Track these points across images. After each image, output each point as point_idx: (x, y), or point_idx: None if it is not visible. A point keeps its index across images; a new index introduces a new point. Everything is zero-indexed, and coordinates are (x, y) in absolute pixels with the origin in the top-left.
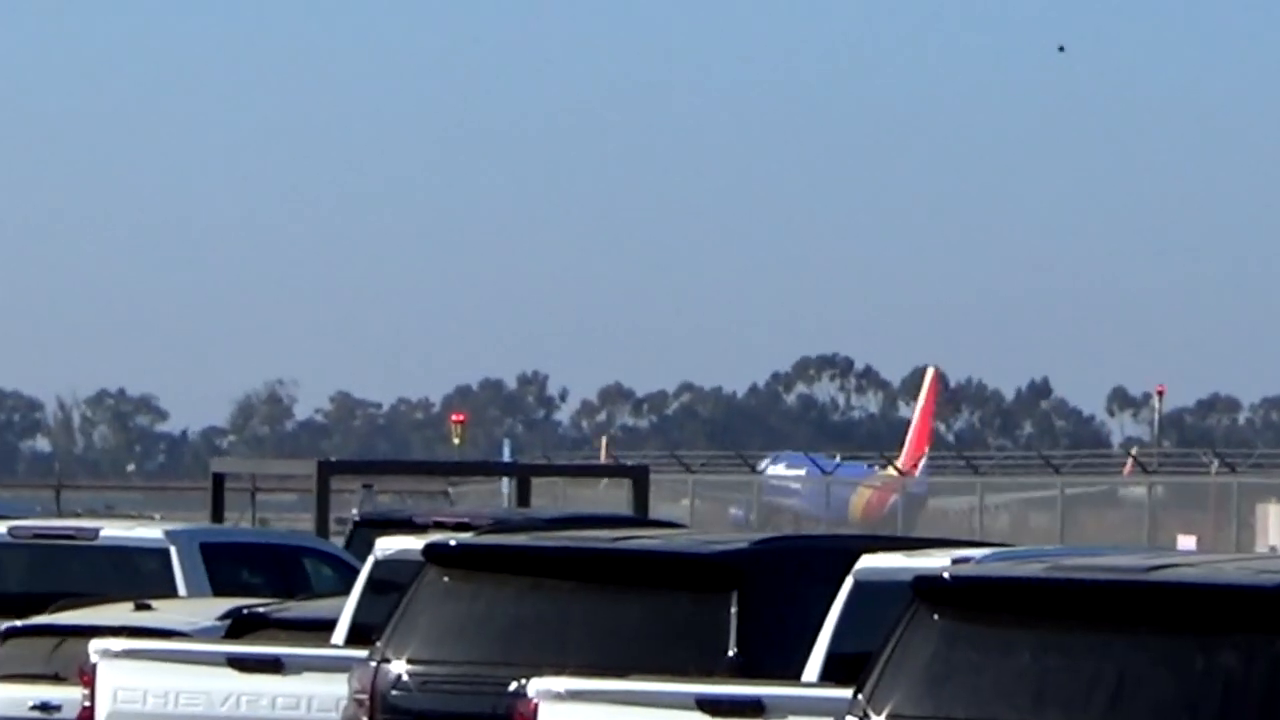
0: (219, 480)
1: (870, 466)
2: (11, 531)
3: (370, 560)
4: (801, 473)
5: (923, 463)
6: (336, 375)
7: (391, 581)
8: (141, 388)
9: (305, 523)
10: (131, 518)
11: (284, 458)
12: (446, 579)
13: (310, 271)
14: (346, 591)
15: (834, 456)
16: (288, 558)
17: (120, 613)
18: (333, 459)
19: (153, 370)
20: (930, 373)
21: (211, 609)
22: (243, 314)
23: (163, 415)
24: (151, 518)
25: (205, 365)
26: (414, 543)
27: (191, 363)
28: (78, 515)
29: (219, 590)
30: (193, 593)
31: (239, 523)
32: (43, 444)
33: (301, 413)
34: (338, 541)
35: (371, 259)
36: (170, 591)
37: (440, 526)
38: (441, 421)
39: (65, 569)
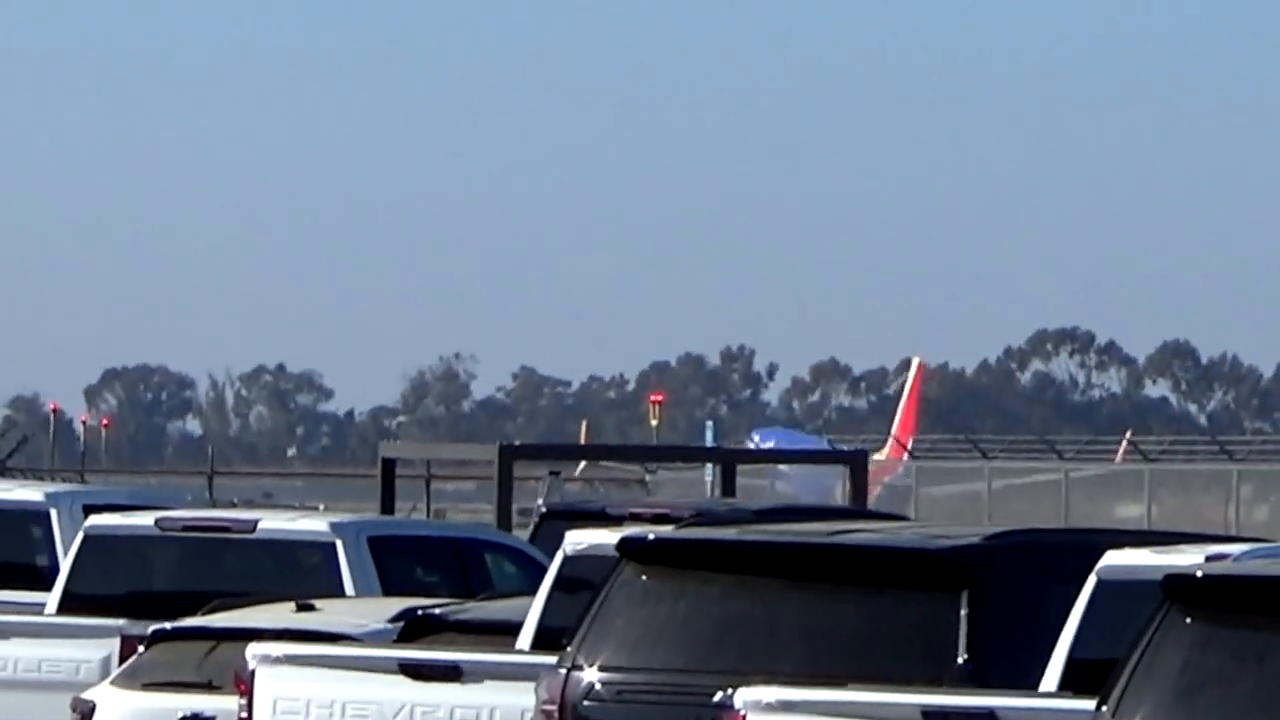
0: (389, 466)
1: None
2: (159, 523)
3: (559, 556)
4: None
5: (905, 454)
6: (520, 349)
7: (582, 579)
8: (303, 363)
9: (485, 513)
10: (292, 508)
11: (461, 441)
12: (644, 577)
13: (490, 236)
14: (532, 590)
15: (821, 437)
16: (466, 552)
17: (280, 614)
18: (516, 443)
19: (315, 344)
20: (915, 362)
21: (382, 610)
22: (416, 282)
23: (326, 394)
24: (315, 508)
25: (374, 338)
26: (607, 536)
27: (359, 335)
28: (233, 505)
29: (390, 589)
30: (361, 592)
31: (412, 513)
32: (193, 425)
33: (481, 391)
34: (522, 535)
35: (560, 221)
36: (336, 590)
37: (636, 519)
38: (637, 401)
39: (219, 565)
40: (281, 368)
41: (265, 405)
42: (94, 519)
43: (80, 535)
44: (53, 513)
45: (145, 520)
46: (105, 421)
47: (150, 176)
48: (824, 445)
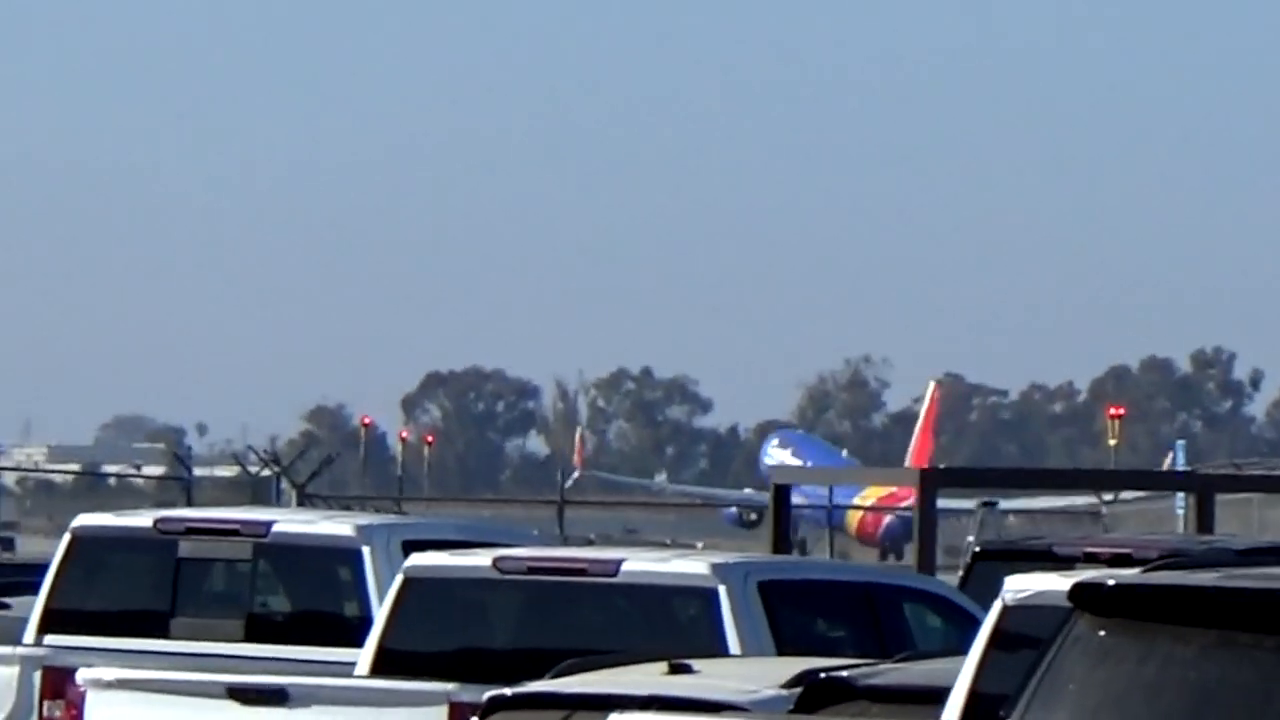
0: (783, 494)
1: None
2: (498, 564)
3: (996, 606)
4: (807, 465)
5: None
6: (943, 351)
7: (1025, 635)
8: (674, 367)
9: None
10: (663, 545)
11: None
12: (1102, 633)
13: (905, 215)
14: (962, 648)
15: (841, 449)
16: (880, 601)
17: (649, 676)
18: (940, 466)
19: (689, 343)
20: (931, 386)
21: (775, 672)
22: (815, 270)
23: (704, 405)
24: (691, 546)
25: (763, 337)
26: (1056, 582)
27: (744, 334)
28: (589, 542)
29: (784, 646)
30: (748, 649)
31: (812, 552)
32: (538, 444)
33: (895, 402)
34: (949, 579)
35: (993, 196)
36: (718, 647)
37: (1092, 560)
38: (1090, 415)
39: (572, 616)
40: (648, 373)
41: (627, 419)
42: (415, 558)
43: (399, 579)
44: (365, 551)
45: (480, 560)
46: (428, 438)
47: (489, 152)
48: (842, 456)
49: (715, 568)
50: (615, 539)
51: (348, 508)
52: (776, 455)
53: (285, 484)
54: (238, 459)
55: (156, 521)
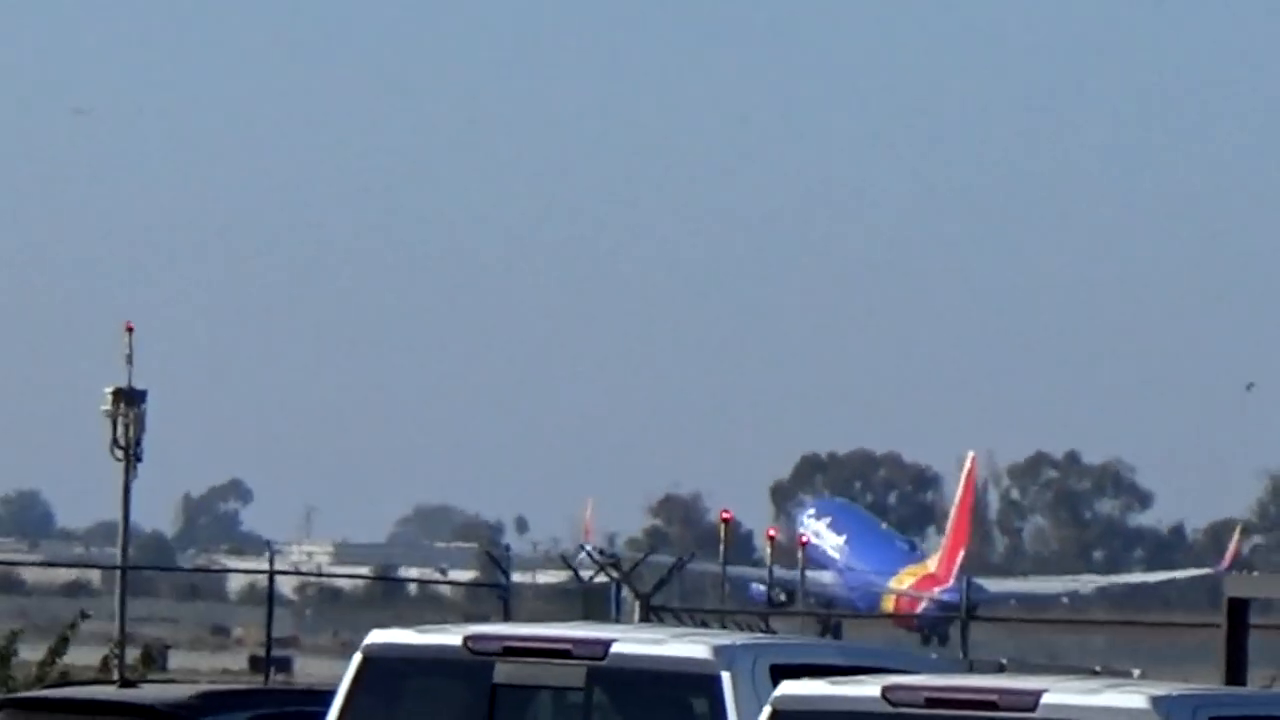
0: (1239, 611)
1: (913, 549)
2: (888, 694)
3: None
4: (841, 541)
5: (957, 567)
6: None
7: None
8: (1106, 451)
9: None
10: (1092, 673)
11: None
12: None
13: None
14: None
15: (883, 522)
16: None
17: None
18: None
19: (1125, 423)
20: (969, 457)
21: None
22: (1273, 329)
23: (1142, 498)
24: (1125, 673)
25: (1212, 415)
26: None
27: (1190, 411)
28: (1000, 668)
29: None
30: None
31: (1275, 684)
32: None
33: None
34: None
35: None
36: None
37: None
38: None
39: None
40: (1074, 458)
41: (1046, 514)
42: (786, 687)
43: (766, 711)
44: (724, 677)
45: (866, 690)
46: (802, 538)
47: (870, 211)
48: (881, 527)
49: (1157, 701)
50: (1029, 666)
51: (704, 624)
52: (813, 526)
53: (626, 593)
54: (567, 561)
55: (467, 639)
